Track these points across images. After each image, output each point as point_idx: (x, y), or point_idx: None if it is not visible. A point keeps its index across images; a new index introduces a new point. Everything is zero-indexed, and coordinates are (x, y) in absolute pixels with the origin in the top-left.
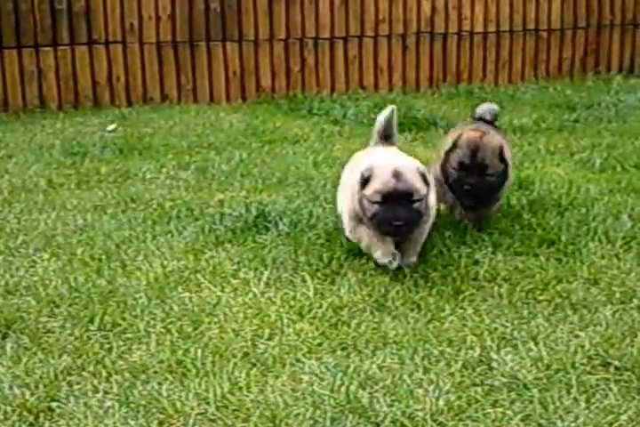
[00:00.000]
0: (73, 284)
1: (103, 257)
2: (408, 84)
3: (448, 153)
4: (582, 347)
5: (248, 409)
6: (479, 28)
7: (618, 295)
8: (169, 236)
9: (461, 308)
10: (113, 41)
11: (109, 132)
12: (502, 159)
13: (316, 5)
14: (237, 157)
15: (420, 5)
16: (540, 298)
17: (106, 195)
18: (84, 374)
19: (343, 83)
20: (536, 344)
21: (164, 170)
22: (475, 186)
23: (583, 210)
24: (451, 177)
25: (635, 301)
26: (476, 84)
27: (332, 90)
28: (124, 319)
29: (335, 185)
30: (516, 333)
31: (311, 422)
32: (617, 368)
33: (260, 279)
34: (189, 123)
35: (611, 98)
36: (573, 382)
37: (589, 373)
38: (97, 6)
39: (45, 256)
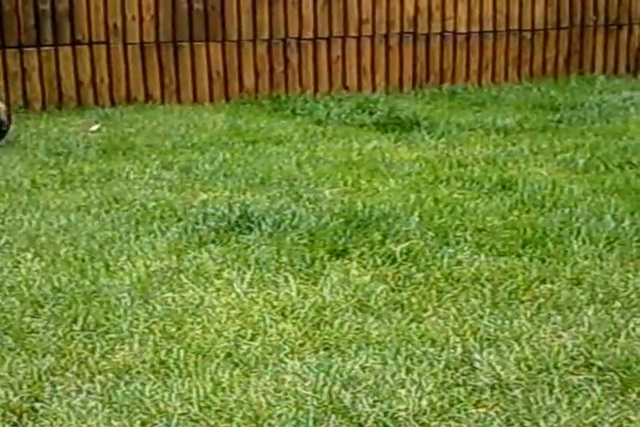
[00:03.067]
0: (56, 284)
1: (86, 257)
2: (391, 85)
3: None
4: (565, 347)
5: (231, 409)
6: (462, 28)
7: (601, 296)
8: (152, 236)
9: (444, 308)
10: (96, 41)
11: (93, 132)
12: None
13: (299, 6)
14: (221, 157)
15: (403, 6)
16: (524, 298)
17: (89, 195)
18: (68, 374)
19: (326, 83)
20: (519, 345)
21: (148, 170)
22: None
23: (567, 210)
24: None
25: (617, 301)
26: (460, 85)
27: (316, 90)
28: (107, 320)
29: (318, 184)
30: (499, 333)
31: (294, 422)
32: (600, 368)
33: (242, 280)
34: (173, 123)
35: (594, 98)
36: (556, 382)
37: (572, 373)
38: (80, 7)
39: (29, 256)
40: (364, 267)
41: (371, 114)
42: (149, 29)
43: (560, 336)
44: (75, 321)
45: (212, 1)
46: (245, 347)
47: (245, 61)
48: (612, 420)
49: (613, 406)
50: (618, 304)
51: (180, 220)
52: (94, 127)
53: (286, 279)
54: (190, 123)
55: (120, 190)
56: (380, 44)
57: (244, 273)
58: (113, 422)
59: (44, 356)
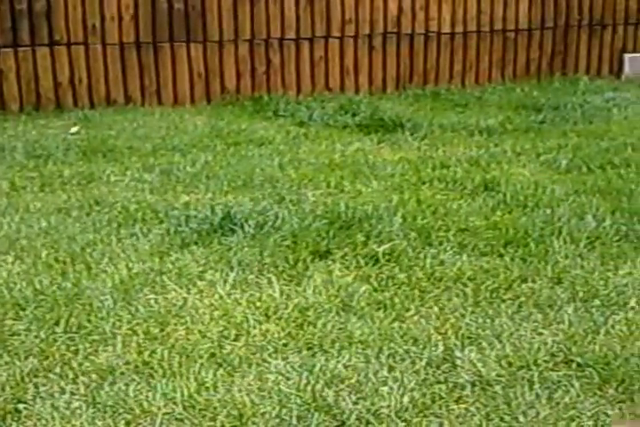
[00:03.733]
0: (38, 286)
1: (68, 260)
2: (374, 86)
3: None
4: (545, 344)
5: (215, 408)
6: (446, 28)
7: (581, 294)
8: (134, 238)
9: (426, 307)
10: (75, 42)
11: (72, 134)
12: None
13: (281, 6)
14: (202, 160)
15: (386, 6)
16: (505, 297)
17: (70, 197)
18: (51, 375)
19: (309, 84)
20: (500, 342)
21: (129, 172)
22: None
23: (548, 210)
24: None
25: (597, 300)
26: (443, 86)
27: (298, 91)
28: (89, 321)
29: (301, 186)
30: (480, 331)
31: (277, 420)
32: (579, 365)
33: (225, 281)
34: (153, 125)
35: (577, 99)
36: (536, 378)
37: (552, 369)
38: (58, 6)
39: (10, 259)
40: (347, 268)
41: (354, 115)
42: (129, 29)
43: (540, 334)
44: (57, 323)
45: (192, 1)
46: (229, 347)
47: (227, 62)
48: (589, 414)
49: (592, 400)
50: (597, 302)
51: (161, 222)
52: (73, 129)
53: (269, 280)
54: (171, 125)
55: (101, 193)
56: (364, 44)
57: (227, 275)
58: (97, 422)
59: (26, 358)
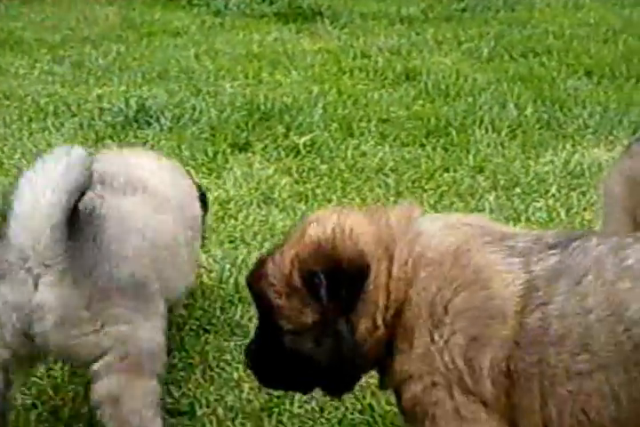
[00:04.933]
0: None
1: None
2: None
3: None
4: None
5: None
6: None
7: (502, 182)
8: (46, 133)
9: (349, 198)
10: None
11: None
12: None
13: None
14: (114, 51)
15: None
16: (427, 187)
17: None
18: None
19: None
20: None
21: (38, 65)
22: None
23: (470, 99)
24: None
25: (518, 188)
26: None
27: None
28: None
29: (218, 78)
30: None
31: (201, 311)
32: None
33: None
34: (62, 16)
35: None
36: None
37: None
38: None
39: None
40: (268, 160)
41: (271, 3)
42: None
43: None
44: None
45: None
46: None
47: None
48: None
49: None
50: (518, 190)
51: (74, 115)
52: None
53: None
54: (80, 15)
55: (10, 86)
56: None
57: None
58: None
59: None
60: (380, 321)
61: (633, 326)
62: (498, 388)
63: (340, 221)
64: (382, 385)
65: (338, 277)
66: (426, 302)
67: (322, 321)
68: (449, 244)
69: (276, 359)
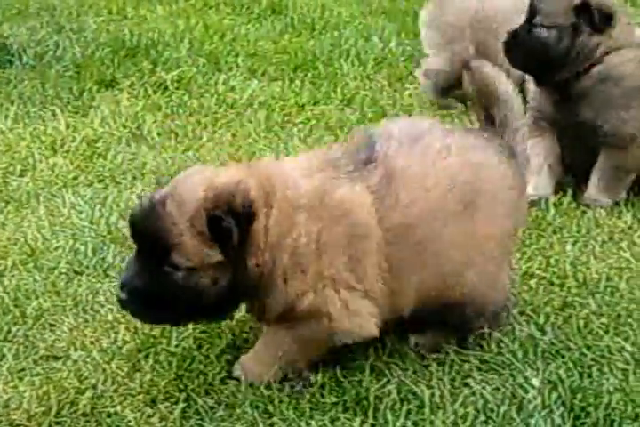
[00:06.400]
0: None
1: None
2: None
3: None
4: None
5: (5, 246)
6: None
7: (370, 115)
8: None
9: (219, 134)
10: None
11: None
12: None
13: None
14: None
15: None
16: (296, 121)
17: None
18: None
19: None
20: None
21: None
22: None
23: (336, 33)
24: None
25: (385, 120)
26: None
27: None
28: None
29: (81, 14)
30: (272, 155)
31: (72, 254)
32: None
33: (6, 116)
34: None
35: None
36: None
37: None
38: None
39: None
40: (136, 97)
41: None
42: None
43: None
44: None
45: None
46: (15, 183)
47: None
48: None
49: None
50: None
51: None
52: None
53: (54, 113)
54: None
55: None
56: None
57: (7, 109)
58: None
59: None
60: (264, 259)
61: None
62: (379, 282)
63: (230, 174)
64: (259, 318)
65: (237, 221)
66: (308, 239)
67: (223, 261)
68: (312, 188)
69: (162, 296)
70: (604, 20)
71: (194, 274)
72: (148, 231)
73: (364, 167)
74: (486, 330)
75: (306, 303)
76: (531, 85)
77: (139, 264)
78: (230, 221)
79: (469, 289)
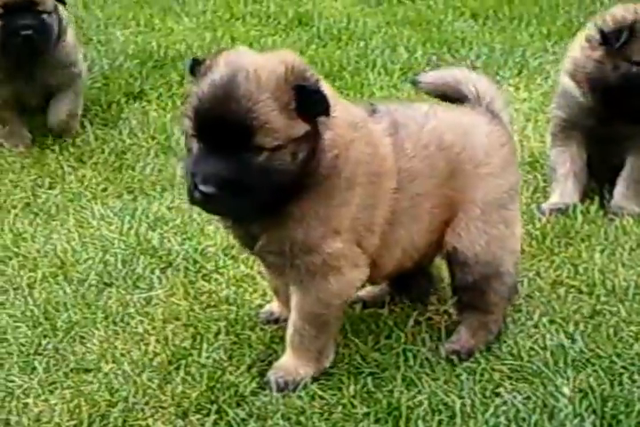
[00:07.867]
0: None
1: None
2: None
3: None
4: None
5: (35, 259)
6: None
7: None
8: None
9: None
10: None
11: None
12: None
13: None
14: None
15: None
16: None
17: None
18: None
19: None
20: None
21: None
22: None
23: (362, 43)
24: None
25: None
26: None
27: None
28: None
29: (108, 26)
30: None
31: (102, 265)
32: None
33: (35, 128)
34: None
35: None
36: None
37: None
38: None
39: None
40: (164, 108)
41: None
42: None
43: None
44: None
45: None
46: (44, 196)
47: None
48: None
49: None
50: None
51: None
52: None
53: (82, 125)
54: None
55: None
56: None
57: (36, 121)
58: None
59: None
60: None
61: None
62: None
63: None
64: (270, 263)
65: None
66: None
67: (307, 132)
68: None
69: (244, 182)
70: None
71: (276, 153)
72: (230, 117)
73: (373, 114)
74: (519, 340)
75: (326, 250)
76: (556, 95)
77: (215, 155)
78: (317, 86)
79: (471, 248)
